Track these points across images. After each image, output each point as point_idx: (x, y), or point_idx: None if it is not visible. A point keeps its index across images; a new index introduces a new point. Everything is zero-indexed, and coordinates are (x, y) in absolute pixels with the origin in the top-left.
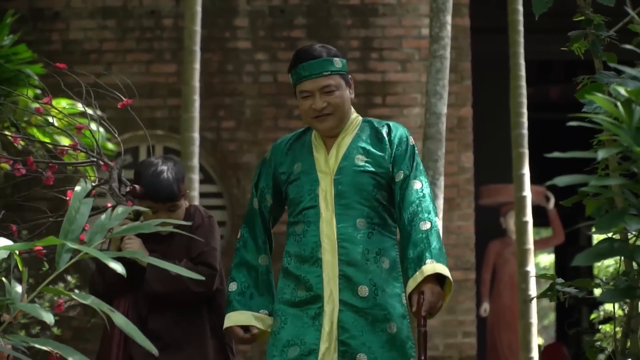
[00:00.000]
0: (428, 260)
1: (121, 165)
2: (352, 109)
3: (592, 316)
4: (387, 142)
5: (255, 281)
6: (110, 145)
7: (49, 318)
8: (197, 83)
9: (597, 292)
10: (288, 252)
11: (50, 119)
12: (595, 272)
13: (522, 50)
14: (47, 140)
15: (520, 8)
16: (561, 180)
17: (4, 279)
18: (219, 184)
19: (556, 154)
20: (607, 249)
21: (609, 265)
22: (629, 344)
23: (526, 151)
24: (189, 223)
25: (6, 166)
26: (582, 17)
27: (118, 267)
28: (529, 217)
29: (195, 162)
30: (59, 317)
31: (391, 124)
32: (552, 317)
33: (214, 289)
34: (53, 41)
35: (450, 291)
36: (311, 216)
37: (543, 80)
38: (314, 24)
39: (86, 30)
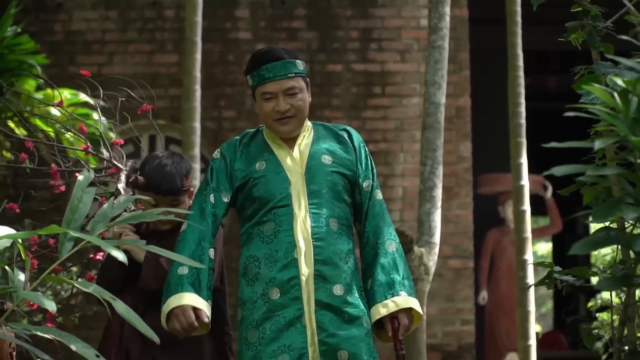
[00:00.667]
0: (402, 292)
1: (131, 168)
2: None
3: (590, 304)
4: (351, 147)
5: (205, 272)
6: (112, 135)
7: (51, 306)
8: (198, 73)
9: (595, 280)
10: (254, 256)
11: (54, 111)
12: (593, 260)
13: (519, 41)
14: (50, 129)
15: None
16: (559, 170)
17: (7, 267)
18: None
19: (554, 144)
20: (604, 238)
21: (606, 253)
22: (625, 331)
23: (524, 141)
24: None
25: (8, 155)
26: (580, 8)
27: (120, 256)
28: (526, 206)
29: (197, 151)
30: (61, 306)
31: (348, 128)
32: (549, 305)
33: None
34: (56, 32)
35: (420, 318)
36: (282, 215)
37: (541, 71)
38: (313, 15)
39: (89, 21)
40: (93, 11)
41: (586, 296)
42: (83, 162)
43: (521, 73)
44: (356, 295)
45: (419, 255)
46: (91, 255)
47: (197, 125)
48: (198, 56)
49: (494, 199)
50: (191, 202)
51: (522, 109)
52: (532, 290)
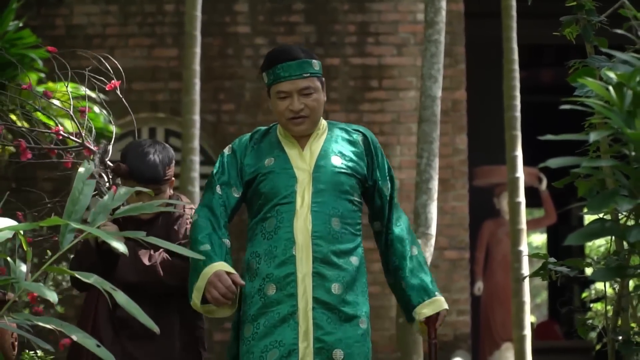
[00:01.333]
0: (437, 293)
1: (104, 150)
2: None
3: (584, 295)
4: (362, 148)
5: (227, 255)
6: (111, 128)
7: (52, 296)
8: (197, 67)
9: (589, 271)
10: (256, 252)
11: (54, 102)
12: (587, 251)
13: (515, 35)
14: (51, 123)
15: None
16: (553, 162)
17: (8, 258)
18: None
19: (549, 137)
20: (598, 229)
21: (600, 244)
22: (619, 321)
23: (519, 133)
24: (172, 208)
25: (9, 149)
26: (574, 3)
27: (120, 247)
28: (521, 198)
29: (196, 143)
30: (62, 296)
31: (362, 129)
32: (544, 295)
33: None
34: (57, 26)
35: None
36: (284, 212)
37: (535, 64)
38: (312, 9)
39: (89, 15)
40: (94, 5)
41: (580, 287)
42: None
43: (516, 66)
44: (356, 294)
45: None
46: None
47: (197, 117)
48: (197, 50)
49: (489, 191)
50: (171, 191)
51: (517, 102)
52: (527, 281)
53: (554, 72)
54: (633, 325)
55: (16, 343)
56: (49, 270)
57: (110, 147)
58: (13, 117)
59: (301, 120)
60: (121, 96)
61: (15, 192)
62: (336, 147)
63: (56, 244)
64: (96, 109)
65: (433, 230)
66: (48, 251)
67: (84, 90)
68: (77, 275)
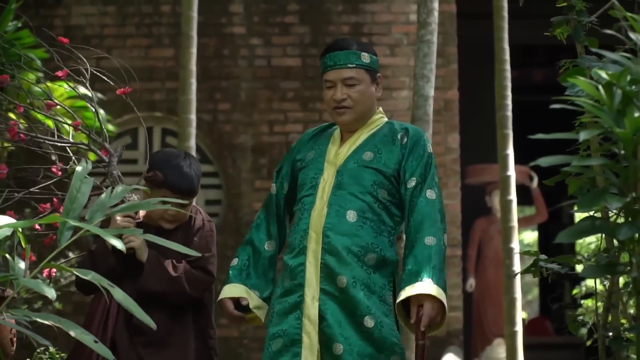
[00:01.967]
0: (426, 279)
1: (121, 152)
2: (379, 110)
3: (574, 291)
4: (399, 145)
5: (256, 263)
6: (110, 127)
7: (50, 293)
8: (194, 67)
9: (579, 268)
10: (288, 242)
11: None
12: (577, 248)
13: (506, 35)
14: (49, 122)
15: None
16: (545, 161)
17: (7, 255)
18: (215, 164)
19: (540, 135)
20: (588, 227)
21: (590, 242)
22: (609, 318)
23: (510, 132)
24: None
25: (7, 144)
26: (565, 4)
27: (118, 244)
28: (513, 196)
29: (192, 142)
30: (60, 293)
31: (410, 128)
32: (535, 292)
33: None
34: (55, 27)
35: (446, 314)
36: (307, 204)
37: (527, 64)
38: (306, 10)
39: (87, 16)
40: (92, 6)
41: (571, 283)
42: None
43: (508, 66)
44: (369, 290)
45: None
46: None
47: (193, 117)
48: (194, 50)
49: (481, 189)
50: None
51: (509, 102)
52: (518, 277)
53: (545, 72)
54: (623, 321)
55: (15, 339)
56: (48, 267)
57: (122, 150)
58: (12, 116)
59: (343, 111)
60: (126, 97)
61: (14, 190)
62: (375, 143)
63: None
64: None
65: None
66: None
67: (85, 90)
68: (75, 272)
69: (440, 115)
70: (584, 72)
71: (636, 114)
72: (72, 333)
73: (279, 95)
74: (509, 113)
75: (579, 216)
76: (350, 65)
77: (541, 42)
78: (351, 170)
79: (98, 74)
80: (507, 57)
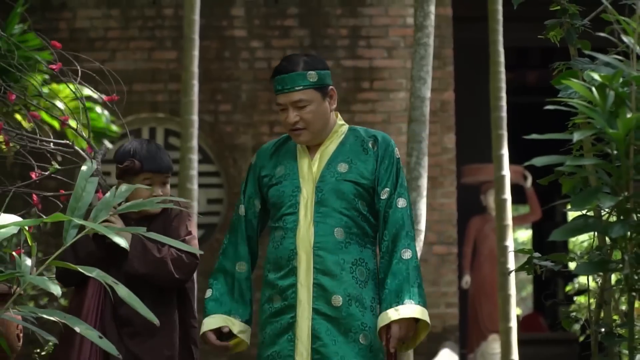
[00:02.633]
0: (407, 301)
1: (105, 151)
2: (339, 117)
3: (568, 288)
4: (372, 154)
5: (231, 288)
6: (114, 127)
7: (56, 290)
8: (196, 69)
9: (572, 265)
10: (267, 258)
11: (58, 103)
12: (571, 246)
13: (501, 38)
14: (54, 123)
15: None
16: (538, 161)
17: (14, 252)
18: (217, 164)
19: (534, 136)
20: (581, 225)
21: (583, 240)
22: (602, 314)
23: (505, 133)
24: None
25: (4, 147)
26: (558, 7)
27: (122, 242)
28: (507, 195)
29: (194, 143)
30: (65, 289)
31: (379, 135)
32: (529, 289)
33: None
34: (60, 29)
35: (427, 329)
36: (289, 223)
37: (521, 66)
38: (305, 13)
39: (92, 19)
40: (96, 10)
41: (564, 281)
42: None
43: (502, 68)
44: (363, 307)
45: None
46: None
47: (195, 118)
48: (196, 53)
49: (476, 188)
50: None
51: (503, 103)
52: (512, 275)
53: (539, 74)
54: (615, 317)
55: (21, 335)
56: (53, 264)
57: (108, 147)
58: (18, 117)
59: (299, 132)
60: (112, 105)
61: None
62: (346, 153)
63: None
64: (98, 109)
65: (422, 226)
66: None
67: (87, 91)
68: (80, 270)
69: (437, 116)
70: (576, 74)
71: (628, 115)
72: (77, 329)
73: None
74: (504, 114)
75: (572, 215)
76: (297, 88)
77: (535, 45)
78: (331, 184)
79: (101, 76)
80: (502, 59)
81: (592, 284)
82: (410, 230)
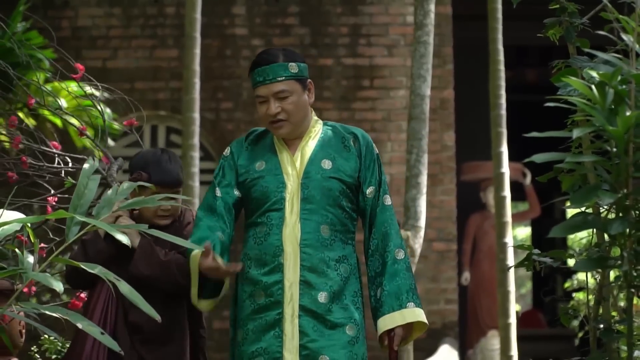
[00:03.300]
0: (409, 304)
1: (122, 164)
2: (313, 113)
3: (566, 285)
4: (355, 151)
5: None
6: (115, 125)
7: (58, 286)
8: (197, 67)
9: (571, 262)
10: (247, 254)
11: (61, 101)
12: (570, 243)
13: (500, 36)
14: (57, 121)
15: None
16: (538, 158)
17: (16, 249)
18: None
19: (533, 133)
20: (580, 222)
21: (582, 237)
22: (600, 310)
23: (504, 130)
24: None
25: (7, 143)
26: (557, 5)
27: (124, 239)
28: (507, 192)
29: (196, 140)
30: (68, 286)
31: (357, 132)
32: (528, 285)
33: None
34: (63, 28)
35: (424, 329)
36: (275, 219)
37: (520, 64)
38: (306, 11)
39: (94, 17)
40: (98, 8)
41: (563, 277)
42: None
43: (502, 67)
44: (345, 302)
45: (405, 238)
46: None
47: (197, 115)
48: (197, 51)
49: (476, 186)
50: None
51: (503, 101)
52: (512, 271)
53: (538, 72)
54: (614, 313)
55: (24, 331)
56: (56, 261)
57: (123, 163)
58: (21, 114)
59: (280, 124)
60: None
61: (22, 187)
62: (327, 150)
63: None
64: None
65: (422, 222)
66: None
67: (89, 89)
68: (82, 266)
69: (436, 114)
70: (575, 72)
71: (627, 113)
72: (79, 325)
73: None
74: (503, 112)
75: (571, 212)
76: (279, 79)
77: (534, 43)
78: (316, 181)
79: (103, 74)
80: (501, 57)
81: (591, 281)
82: (397, 227)
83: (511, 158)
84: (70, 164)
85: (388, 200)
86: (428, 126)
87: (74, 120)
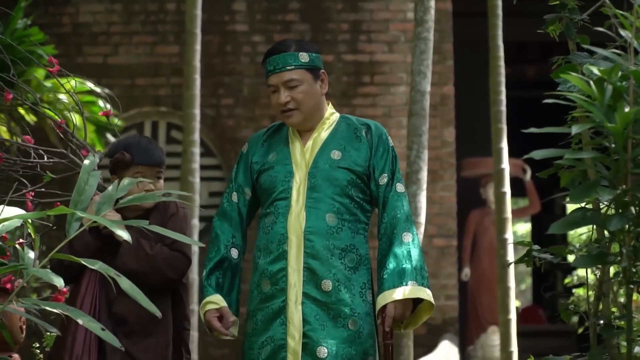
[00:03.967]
0: (411, 282)
1: (101, 157)
2: (329, 105)
3: (566, 281)
4: (366, 142)
5: (226, 273)
6: (116, 121)
7: (59, 282)
8: (198, 63)
9: (571, 258)
10: (257, 245)
11: (61, 97)
12: (569, 239)
13: (500, 33)
14: (55, 117)
15: None
16: (538, 154)
17: (17, 245)
18: (219, 157)
19: (533, 129)
20: (580, 218)
21: (582, 233)
22: (600, 306)
23: (504, 126)
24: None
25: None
26: (557, 2)
27: (124, 235)
28: (507, 188)
29: (196, 136)
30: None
31: (371, 124)
32: (528, 281)
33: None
34: (64, 24)
35: (431, 309)
36: (281, 208)
37: (520, 61)
38: (306, 8)
39: (95, 13)
40: (99, 4)
41: (563, 273)
42: (90, 147)
43: (502, 63)
44: (352, 294)
45: None
46: None
47: (197, 112)
48: (198, 47)
49: (476, 182)
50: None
51: (503, 97)
52: (512, 267)
53: (538, 68)
54: (613, 309)
55: (24, 327)
56: (56, 257)
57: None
58: (21, 111)
59: (290, 113)
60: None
61: (23, 183)
62: (338, 141)
63: None
64: (101, 103)
65: (422, 219)
66: None
67: (89, 85)
68: (82, 262)
69: (437, 110)
70: (575, 69)
71: (626, 109)
72: (80, 321)
73: None
74: (503, 108)
75: (570, 208)
76: (289, 68)
77: (534, 39)
78: (324, 171)
79: (104, 70)
80: (501, 53)
81: (590, 277)
82: (410, 214)
83: (511, 154)
84: (45, 158)
85: (401, 188)
86: (428, 122)
87: (75, 117)
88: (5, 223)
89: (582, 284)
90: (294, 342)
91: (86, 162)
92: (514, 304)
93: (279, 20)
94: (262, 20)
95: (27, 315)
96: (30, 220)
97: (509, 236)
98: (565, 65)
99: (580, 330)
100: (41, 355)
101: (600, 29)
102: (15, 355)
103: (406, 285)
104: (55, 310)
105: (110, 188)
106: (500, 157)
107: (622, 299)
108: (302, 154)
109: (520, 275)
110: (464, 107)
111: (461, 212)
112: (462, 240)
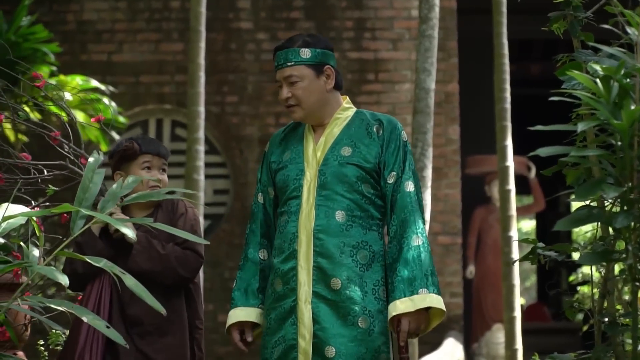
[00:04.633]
0: (421, 290)
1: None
2: (345, 100)
3: (571, 278)
4: (377, 139)
5: (255, 277)
6: (121, 119)
7: (64, 280)
8: (202, 61)
9: (576, 255)
10: (274, 245)
11: (66, 94)
12: (574, 237)
13: (505, 30)
14: (62, 114)
15: None
16: (543, 151)
17: (22, 243)
18: (223, 155)
19: (538, 127)
20: (585, 215)
21: (586, 230)
22: (605, 304)
23: (509, 124)
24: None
25: (24, 138)
26: None
27: (129, 233)
28: (511, 186)
29: (201, 134)
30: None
31: (384, 119)
32: (533, 279)
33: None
34: (68, 22)
35: (442, 315)
36: (293, 207)
37: (525, 58)
38: (311, 5)
39: (99, 11)
40: (103, 2)
41: (568, 271)
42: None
43: (506, 60)
44: (364, 291)
45: None
46: None
47: (202, 109)
48: (202, 44)
49: (480, 179)
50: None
51: (507, 94)
52: (516, 265)
53: (543, 66)
54: (618, 307)
55: (29, 324)
56: (61, 254)
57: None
58: (26, 108)
59: (292, 109)
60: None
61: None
62: (350, 137)
63: None
64: (105, 100)
65: (427, 216)
66: None
67: (94, 83)
68: (87, 259)
69: (441, 108)
70: (580, 66)
71: (632, 107)
72: (84, 319)
73: None
74: (508, 105)
75: (575, 205)
76: (289, 64)
77: (539, 37)
78: (333, 168)
79: (109, 67)
80: (506, 51)
81: (595, 274)
82: (420, 214)
83: (516, 152)
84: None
85: (410, 187)
86: (433, 120)
87: (79, 116)
88: (10, 221)
89: (587, 281)
90: (305, 342)
91: (90, 159)
92: (518, 301)
93: (284, 17)
94: (267, 18)
95: (32, 312)
96: (34, 219)
97: (514, 234)
98: (570, 63)
99: (585, 328)
100: (46, 353)
101: (606, 26)
102: (20, 353)
103: (417, 294)
104: (60, 308)
105: (114, 186)
106: (505, 155)
107: (627, 297)
108: (314, 152)
109: (524, 273)
110: (468, 104)
111: (466, 209)
112: (467, 238)
